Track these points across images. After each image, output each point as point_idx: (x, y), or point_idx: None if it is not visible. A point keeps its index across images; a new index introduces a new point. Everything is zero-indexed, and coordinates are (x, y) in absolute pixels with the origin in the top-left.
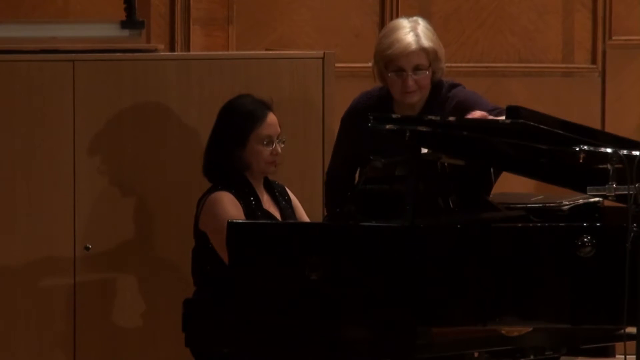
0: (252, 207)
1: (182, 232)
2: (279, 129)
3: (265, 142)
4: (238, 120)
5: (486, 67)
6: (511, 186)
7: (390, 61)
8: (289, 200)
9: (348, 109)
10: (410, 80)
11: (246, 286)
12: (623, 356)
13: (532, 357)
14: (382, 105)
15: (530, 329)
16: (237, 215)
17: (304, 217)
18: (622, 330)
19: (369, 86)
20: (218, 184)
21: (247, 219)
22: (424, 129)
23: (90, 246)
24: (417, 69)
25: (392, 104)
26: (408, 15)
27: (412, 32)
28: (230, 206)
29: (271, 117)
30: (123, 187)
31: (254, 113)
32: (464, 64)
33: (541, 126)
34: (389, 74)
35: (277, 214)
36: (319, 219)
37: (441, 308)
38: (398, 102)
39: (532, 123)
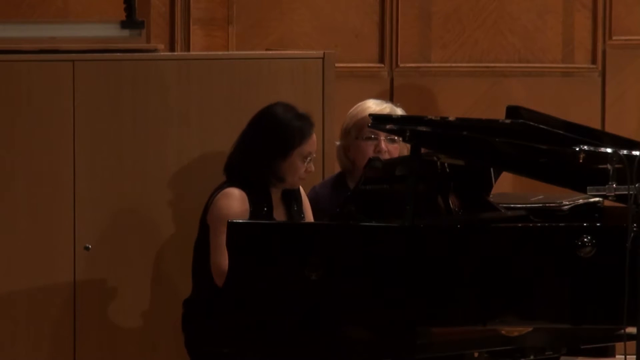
0: (261, 213)
1: (183, 231)
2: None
3: (306, 159)
4: (285, 134)
5: (486, 67)
6: (511, 186)
7: (362, 127)
8: (300, 204)
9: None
10: (382, 144)
11: (246, 286)
12: (623, 356)
13: (532, 357)
14: (337, 182)
15: (530, 329)
16: (240, 214)
17: (311, 219)
18: (622, 330)
19: (369, 86)
20: (236, 181)
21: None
22: (424, 129)
23: (90, 246)
24: (390, 137)
25: (346, 180)
26: (408, 15)
27: (384, 103)
28: (236, 203)
29: (314, 135)
30: (123, 187)
31: (303, 129)
32: (464, 64)
33: (541, 126)
34: (362, 142)
35: None
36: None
37: (441, 308)
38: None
39: (532, 123)
